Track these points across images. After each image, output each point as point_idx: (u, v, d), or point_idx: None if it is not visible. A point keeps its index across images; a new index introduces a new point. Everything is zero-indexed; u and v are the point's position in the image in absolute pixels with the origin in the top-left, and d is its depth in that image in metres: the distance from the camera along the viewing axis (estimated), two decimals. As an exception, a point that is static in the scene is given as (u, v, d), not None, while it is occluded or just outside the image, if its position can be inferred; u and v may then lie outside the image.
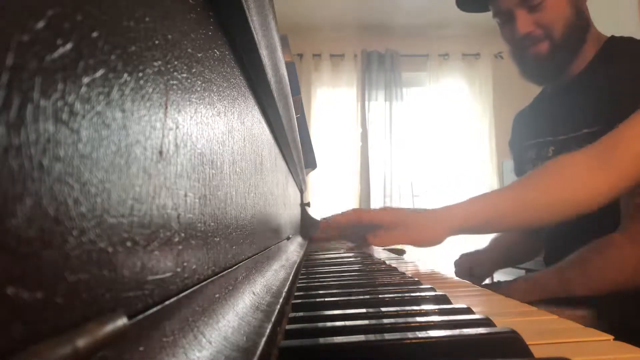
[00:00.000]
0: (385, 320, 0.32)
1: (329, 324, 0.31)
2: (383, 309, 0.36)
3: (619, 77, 0.86)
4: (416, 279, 0.54)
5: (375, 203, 3.23)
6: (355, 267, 0.73)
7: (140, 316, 0.17)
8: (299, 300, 0.41)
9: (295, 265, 0.62)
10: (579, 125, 0.91)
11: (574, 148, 0.90)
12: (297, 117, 0.98)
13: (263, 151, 0.54)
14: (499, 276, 1.36)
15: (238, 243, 0.36)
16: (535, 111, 1.10)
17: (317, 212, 1.69)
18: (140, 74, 0.17)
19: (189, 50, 0.24)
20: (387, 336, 0.27)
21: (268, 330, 0.26)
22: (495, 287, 0.86)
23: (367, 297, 0.42)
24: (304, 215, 1.53)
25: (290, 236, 0.96)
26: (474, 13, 1.09)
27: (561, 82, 0.98)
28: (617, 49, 0.92)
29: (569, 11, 0.92)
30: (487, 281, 1.18)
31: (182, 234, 0.22)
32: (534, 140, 1.05)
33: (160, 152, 0.19)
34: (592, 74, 0.92)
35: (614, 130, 0.74)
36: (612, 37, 0.95)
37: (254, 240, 0.45)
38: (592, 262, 0.78)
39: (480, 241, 1.16)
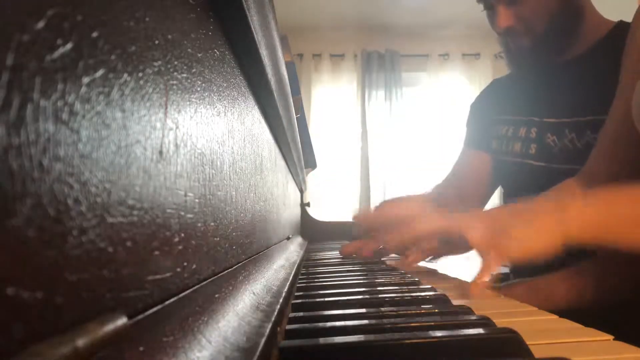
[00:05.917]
0: (385, 320, 0.32)
1: (328, 324, 0.31)
2: (383, 309, 0.36)
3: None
4: (416, 279, 0.54)
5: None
6: (355, 267, 0.73)
7: (140, 316, 0.17)
8: (299, 300, 0.41)
9: (295, 265, 0.62)
10: (581, 111, 0.86)
11: (568, 134, 0.86)
12: (297, 117, 0.98)
13: (263, 151, 0.54)
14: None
15: (238, 243, 0.36)
16: (518, 85, 1.02)
17: (317, 212, 1.69)
18: (140, 74, 0.17)
19: (189, 50, 0.24)
20: (387, 336, 0.27)
21: (268, 330, 0.26)
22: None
23: (367, 297, 0.42)
24: (304, 215, 1.53)
25: (290, 236, 0.96)
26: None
27: (554, 64, 0.93)
28: (624, 34, 0.87)
29: (554, 2, 0.87)
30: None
31: (182, 234, 0.22)
32: (511, 116, 0.98)
33: (160, 152, 0.19)
34: (595, 59, 0.88)
35: None
36: (621, 21, 0.90)
37: (254, 240, 0.45)
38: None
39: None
